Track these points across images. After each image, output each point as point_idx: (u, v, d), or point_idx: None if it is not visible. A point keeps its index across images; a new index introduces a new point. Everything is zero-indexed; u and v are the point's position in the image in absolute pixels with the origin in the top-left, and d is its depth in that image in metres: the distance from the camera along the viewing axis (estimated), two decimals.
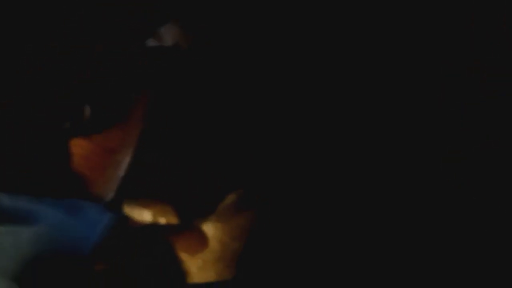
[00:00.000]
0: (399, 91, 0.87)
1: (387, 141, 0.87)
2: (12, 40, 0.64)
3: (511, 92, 0.84)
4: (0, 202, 0.65)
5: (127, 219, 0.79)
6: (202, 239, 0.92)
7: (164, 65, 0.72)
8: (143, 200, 0.88)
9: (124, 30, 0.68)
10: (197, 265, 0.92)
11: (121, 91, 0.70)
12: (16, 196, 0.65)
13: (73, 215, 0.66)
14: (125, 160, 0.71)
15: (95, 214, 0.67)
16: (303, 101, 0.86)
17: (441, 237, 0.81)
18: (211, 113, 0.81)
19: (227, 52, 0.76)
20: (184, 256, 0.92)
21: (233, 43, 0.76)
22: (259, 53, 0.79)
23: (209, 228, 0.92)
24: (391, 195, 0.85)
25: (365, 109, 0.88)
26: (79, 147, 0.69)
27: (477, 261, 0.77)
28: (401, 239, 0.83)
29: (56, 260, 0.66)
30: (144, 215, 0.90)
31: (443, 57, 0.86)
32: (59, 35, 0.65)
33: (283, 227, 0.90)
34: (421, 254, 0.80)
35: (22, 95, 0.66)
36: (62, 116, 0.67)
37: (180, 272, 0.92)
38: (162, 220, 0.91)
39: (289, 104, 0.86)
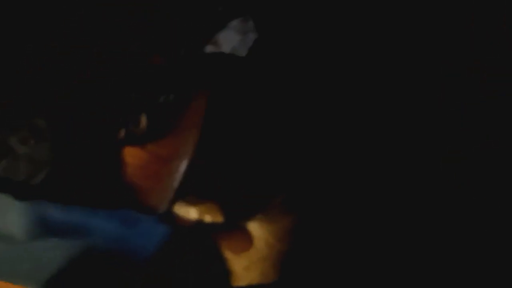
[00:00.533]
0: (399, 91, 0.86)
1: (387, 141, 0.85)
2: (71, 47, 0.63)
3: (511, 92, 0.83)
4: (52, 215, 0.64)
5: (178, 226, 0.77)
6: (248, 239, 0.90)
7: (220, 72, 0.70)
8: (190, 198, 0.86)
9: (182, 36, 0.66)
10: (242, 265, 0.91)
11: (177, 98, 0.68)
12: (69, 208, 0.64)
13: (128, 227, 0.65)
14: (181, 169, 0.69)
15: (151, 226, 0.66)
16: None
17: (441, 237, 0.80)
18: (264, 116, 0.79)
19: (283, 57, 0.74)
20: (229, 255, 0.91)
21: (290, 49, 0.73)
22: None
23: (255, 228, 0.90)
24: (392, 194, 0.85)
25: (365, 109, 0.87)
26: (133, 156, 0.67)
27: (477, 261, 0.76)
28: (401, 239, 0.82)
29: (110, 273, 0.65)
30: (190, 213, 0.89)
31: (443, 57, 0.85)
32: (116, 44, 0.63)
33: (326, 229, 0.89)
34: (421, 254, 0.79)
35: (77, 104, 0.64)
36: (117, 125, 0.65)
37: (224, 272, 0.91)
38: (208, 218, 0.90)
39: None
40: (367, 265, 0.85)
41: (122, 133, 0.66)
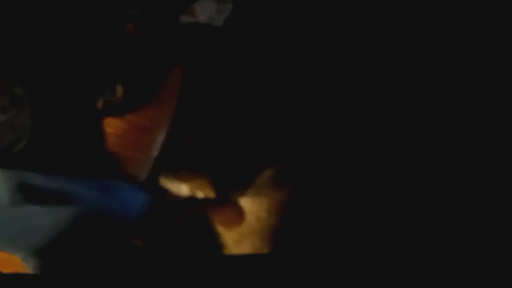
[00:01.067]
0: (399, 91, 0.86)
1: (387, 141, 0.86)
2: (44, 21, 0.64)
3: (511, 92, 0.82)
4: (36, 183, 0.65)
5: (165, 194, 0.79)
6: (239, 213, 0.91)
7: (197, 41, 0.71)
8: (181, 174, 0.88)
9: (157, 6, 0.67)
10: (233, 239, 0.92)
11: (153, 69, 0.69)
12: (50, 176, 0.66)
13: (108, 195, 0.67)
14: (159, 139, 0.71)
15: (130, 194, 0.67)
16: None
17: (441, 237, 0.80)
18: (246, 87, 0.80)
19: (259, 29, 0.74)
20: (220, 229, 0.92)
21: (265, 21, 0.74)
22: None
23: (246, 203, 0.91)
24: (392, 193, 0.84)
25: (366, 108, 0.87)
26: (112, 126, 0.68)
27: (477, 261, 0.76)
28: (401, 239, 0.82)
29: (91, 239, 0.67)
30: (181, 189, 0.90)
31: (443, 57, 0.84)
32: (88, 13, 0.65)
33: (318, 203, 0.89)
34: (421, 254, 0.79)
35: (55, 73, 0.66)
36: (95, 96, 0.67)
37: (216, 245, 0.92)
38: (200, 194, 0.91)
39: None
40: (355, 237, 0.85)
41: (100, 102, 0.67)
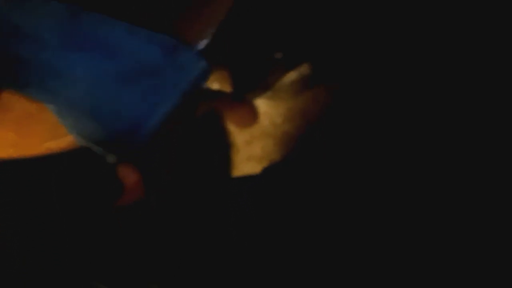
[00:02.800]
0: (399, 91, 0.85)
1: (387, 141, 0.84)
2: None
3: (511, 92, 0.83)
4: (93, 25, 0.58)
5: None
6: (253, 114, 0.87)
7: None
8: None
9: None
10: (243, 139, 0.88)
11: None
12: (109, 20, 0.58)
13: (168, 54, 0.60)
14: (226, 3, 0.64)
15: (191, 60, 0.61)
16: None
17: (441, 237, 0.80)
18: None
19: None
20: (231, 128, 0.88)
21: None
22: None
23: (262, 105, 0.87)
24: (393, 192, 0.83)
25: (365, 108, 0.85)
26: None
27: (477, 261, 0.76)
28: (401, 238, 0.81)
29: (136, 104, 0.60)
30: None
31: (443, 57, 0.84)
32: None
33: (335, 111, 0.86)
34: (421, 254, 0.79)
35: None
36: None
37: (226, 144, 0.88)
38: (215, 86, 0.86)
39: None
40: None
41: None
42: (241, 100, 0.87)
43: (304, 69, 0.85)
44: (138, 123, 0.60)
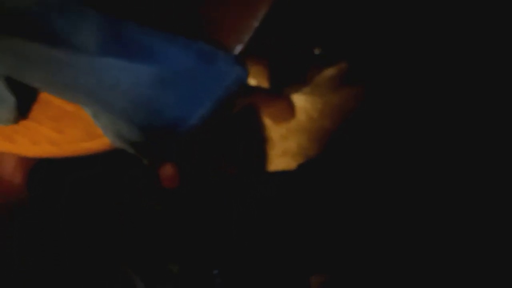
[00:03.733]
0: (399, 91, 0.84)
1: (387, 141, 0.83)
2: None
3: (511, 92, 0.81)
4: (130, 32, 0.59)
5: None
6: (290, 109, 0.88)
7: None
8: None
9: None
10: (279, 133, 0.89)
11: None
12: (148, 29, 0.59)
13: (204, 61, 0.61)
14: (262, 9, 0.64)
15: (226, 65, 0.62)
16: None
17: (441, 237, 0.79)
18: None
19: None
20: (268, 122, 0.89)
21: None
22: None
23: (300, 99, 0.87)
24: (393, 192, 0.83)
25: (366, 108, 0.84)
26: None
27: (477, 261, 0.76)
28: (401, 238, 0.81)
29: (172, 108, 0.62)
30: None
31: (443, 57, 0.82)
32: None
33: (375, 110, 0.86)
34: (421, 254, 0.78)
35: None
36: None
37: (261, 138, 0.89)
38: (253, 82, 0.87)
39: None
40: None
41: None
42: (278, 95, 0.88)
43: (342, 65, 0.85)
44: (175, 124, 0.61)
